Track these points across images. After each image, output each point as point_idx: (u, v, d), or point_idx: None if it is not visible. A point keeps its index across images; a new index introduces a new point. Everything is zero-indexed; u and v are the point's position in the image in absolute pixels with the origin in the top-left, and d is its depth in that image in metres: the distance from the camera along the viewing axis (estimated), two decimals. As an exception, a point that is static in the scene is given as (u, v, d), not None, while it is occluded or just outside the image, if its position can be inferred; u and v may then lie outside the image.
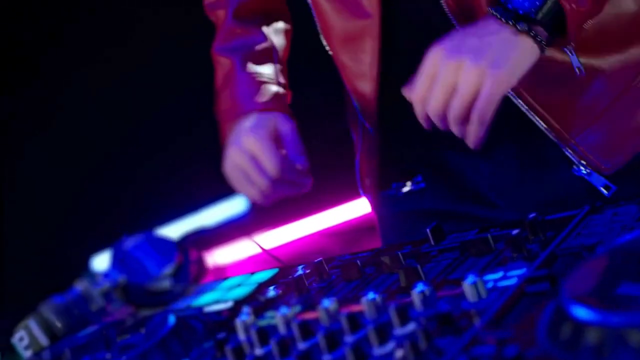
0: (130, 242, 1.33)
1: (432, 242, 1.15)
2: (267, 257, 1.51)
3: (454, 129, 1.14)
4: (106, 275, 1.30)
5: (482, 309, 0.87)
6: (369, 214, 1.58)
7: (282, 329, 1.01)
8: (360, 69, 1.37)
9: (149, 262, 1.32)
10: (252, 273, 1.33)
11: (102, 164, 3.85)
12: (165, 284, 1.32)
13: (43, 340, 1.27)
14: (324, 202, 4.23)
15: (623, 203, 1.04)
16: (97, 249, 4.00)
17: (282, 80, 1.51)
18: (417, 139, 1.35)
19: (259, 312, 1.13)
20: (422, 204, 1.44)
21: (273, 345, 0.92)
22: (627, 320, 0.68)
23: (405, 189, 1.46)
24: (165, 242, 1.35)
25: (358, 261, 1.13)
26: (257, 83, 1.48)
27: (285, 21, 1.59)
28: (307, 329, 0.94)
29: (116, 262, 1.31)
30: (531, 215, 1.03)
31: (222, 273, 1.45)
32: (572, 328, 0.72)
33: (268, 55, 1.52)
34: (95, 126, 3.79)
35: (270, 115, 1.42)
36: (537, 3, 1.13)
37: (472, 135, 1.13)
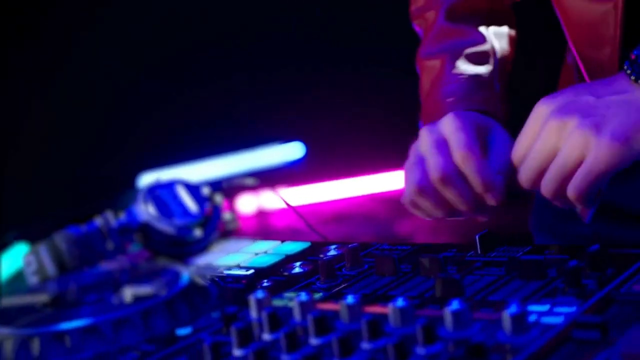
0: (161, 184, 1.25)
1: (479, 251, 1.05)
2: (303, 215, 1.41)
3: (552, 199, 0.99)
4: (129, 214, 1.22)
5: (519, 346, 0.77)
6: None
7: (297, 317, 0.92)
8: (599, 61, 1.16)
9: (177, 209, 1.24)
10: (283, 242, 1.24)
11: (160, 82, 3.80)
12: (190, 235, 1.24)
13: (51, 269, 1.20)
14: (379, 164, 4.16)
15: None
16: (145, 167, 3.96)
17: (500, 87, 1.26)
18: None
19: (278, 289, 1.04)
20: None
21: (282, 335, 0.83)
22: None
23: None
24: (198, 190, 1.26)
25: (395, 256, 1.04)
26: (470, 82, 1.23)
27: (510, 25, 1.35)
28: (324, 323, 0.85)
29: (143, 203, 1.23)
30: (594, 247, 0.92)
31: (253, 228, 1.36)
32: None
33: (485, 56, 1.27)
34: (154, 40, 3.73)
35: (481, 116, 1.16)
36: None
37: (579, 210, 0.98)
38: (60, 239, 1.20)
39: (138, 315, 0.99)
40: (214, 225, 1.25)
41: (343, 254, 1.10)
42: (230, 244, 1.27)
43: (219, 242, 1.27)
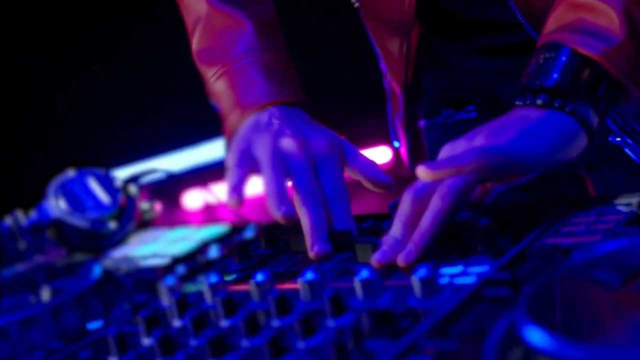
0: (71, 177, 1.21)
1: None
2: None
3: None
4: (40, 211, 1.18)
5: (429, 309, 0.74)
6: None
7: (208, 300, 0.89)
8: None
9: (90, 202, 1.20)
10: (201, 226, 1.21)
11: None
12: (105, 227, 1.20)
13: (-38, 274, 1.16)
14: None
15: (611, 201, 0.91)
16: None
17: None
18: (470, 69, 1.19)
19: (192, 275, 1.01)
20: None
21: (188, 319, 0.80)
22: (588, 355, 0.56)
23: (455, 118, 1.25)
24: (110, 181, 1.22)
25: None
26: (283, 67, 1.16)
27: None
28: (232, 304, 0.83)
29: (53, 198, 1.19)
30: (505, 205, 0.90)
31: (172, 221, 1.33)
32: (523, 354, 0.60)
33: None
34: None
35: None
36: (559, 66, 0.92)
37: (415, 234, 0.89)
38: (-30, 242, 1.16)
39: (47, 312, 0.95)
40: (130, 216, 1.21)
41: (258, 236, 1.08)
42: (148, 234, 1.23)
43: (136, 232, 1.23)
